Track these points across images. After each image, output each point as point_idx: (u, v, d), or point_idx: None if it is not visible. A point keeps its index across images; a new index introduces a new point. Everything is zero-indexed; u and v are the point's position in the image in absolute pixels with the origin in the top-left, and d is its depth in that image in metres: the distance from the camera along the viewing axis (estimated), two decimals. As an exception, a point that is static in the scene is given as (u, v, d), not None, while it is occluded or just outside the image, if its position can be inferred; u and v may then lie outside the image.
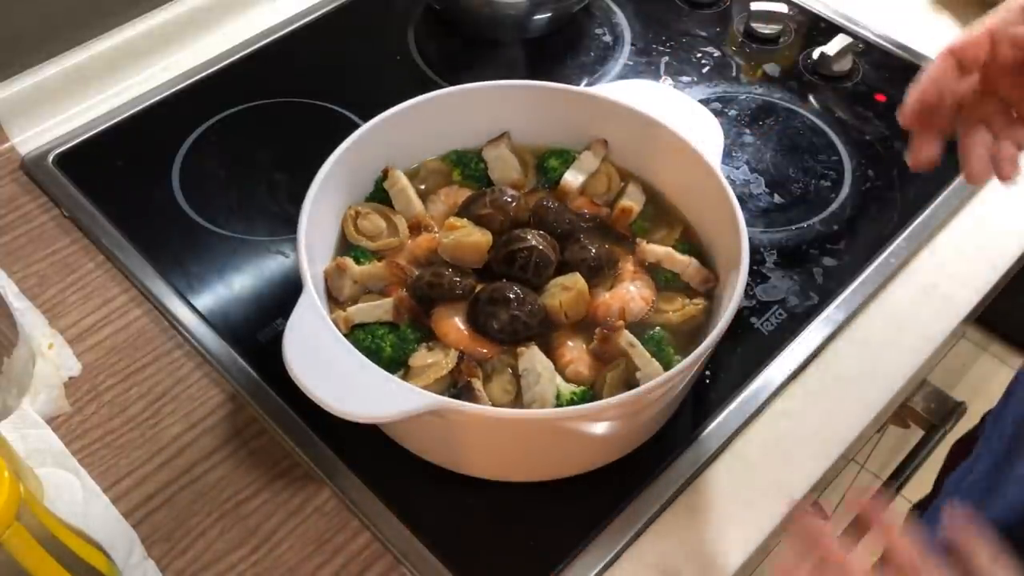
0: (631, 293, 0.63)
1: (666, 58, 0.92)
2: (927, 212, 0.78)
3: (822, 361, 0.69)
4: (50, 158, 0.81)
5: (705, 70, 0.91)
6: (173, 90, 0.87)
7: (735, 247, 0.59)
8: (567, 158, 0.70)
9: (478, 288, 0.61)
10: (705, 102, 0.84)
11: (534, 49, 0.93)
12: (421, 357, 0.59)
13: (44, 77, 0.83)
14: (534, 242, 0.61)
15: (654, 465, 0.62)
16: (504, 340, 0.59)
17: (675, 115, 0.67)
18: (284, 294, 0.70)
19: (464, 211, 0.66)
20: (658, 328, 0.61)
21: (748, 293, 0.72)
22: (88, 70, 0.86)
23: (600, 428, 0.57)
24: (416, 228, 0.66)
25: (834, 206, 0.79)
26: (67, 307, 0.71)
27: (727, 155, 0.82)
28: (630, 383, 0.57)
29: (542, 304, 0.60)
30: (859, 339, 0.71)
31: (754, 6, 0.93)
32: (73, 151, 0.82)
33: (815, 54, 0.91)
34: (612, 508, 0.60)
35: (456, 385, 0.57)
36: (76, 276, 0.73)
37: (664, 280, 0.64)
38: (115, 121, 0.84)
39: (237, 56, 0.90)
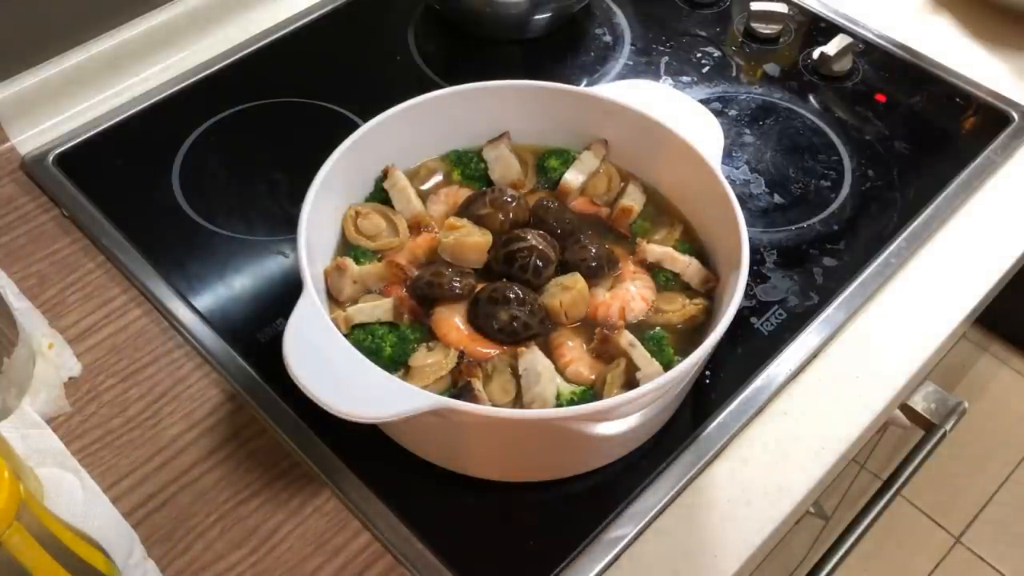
0: (631, 293, 0.63)
1: (666, 58, 0.92)
2: (927, 212, 0.78)
3: (822, 361, 0.69)
4: (50, 158, 0.80)
5: (705, 70, 0.91)
6: (173, 90, 0.87)
7: (735, 247, 0.59)
8: (567, 158, 0.70)
9: (478, 288, 0.61)
10: (705, 102, 0.84)
11: (534, 49, 0.93)
12: (421, 357, 0.59)
13: (44, 77, 0.83)
14: (534, 242, 0.61)
15: (654, 465, 0.62)
16: (504, 340, 0.59)
17: (675, 115, 0.67)
18: (284, 294, 0.70)
19: (464, 211, 0.66)
20: (658, 328, 0.61)
21: (748, 293, 0.72)
22: (88, 70, 0.85)
23: (600, 428, 0.57)
24: (416, 228, 0.66)
25: (834, 206, 0.79)
26: (67, 307, 0.71)
27: (727, 155, 0.82)
28: (630, 383, 0.57)
29: (542, 304, 0.60)
30: (859, 339, 0.71)
31: (754, 6, 0.93)
32: (73, 151, 0.81)
33: (815, 54, 0.91)
34: (612, 508, 0.60)
35: (456, 385, 0.57)
36: (76, 276, 0.73)
37: (664, 280, 0.64)
38: (115, 121, 0.84)
39: (237, 56, 0.90)
